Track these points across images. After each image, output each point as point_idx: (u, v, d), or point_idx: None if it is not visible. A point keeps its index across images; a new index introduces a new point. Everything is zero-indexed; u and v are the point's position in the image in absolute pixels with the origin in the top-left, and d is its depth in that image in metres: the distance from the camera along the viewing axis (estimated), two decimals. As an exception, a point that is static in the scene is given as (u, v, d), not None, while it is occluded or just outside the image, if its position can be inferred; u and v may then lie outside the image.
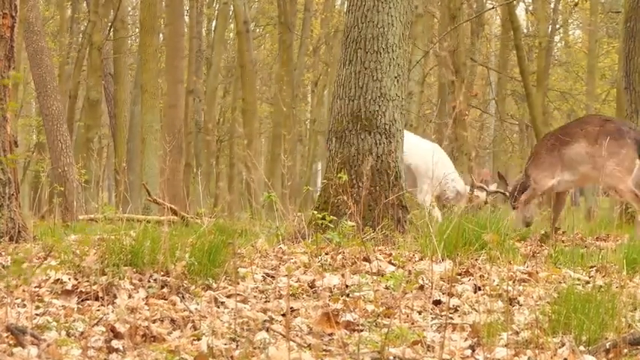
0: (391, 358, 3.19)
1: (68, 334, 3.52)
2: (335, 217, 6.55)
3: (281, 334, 3.52)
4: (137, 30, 25.67)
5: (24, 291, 3.98)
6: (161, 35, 22.28)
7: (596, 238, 7.51)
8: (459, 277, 4.93)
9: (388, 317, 3.98)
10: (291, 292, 4.42)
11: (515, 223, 7.98)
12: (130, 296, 4.07)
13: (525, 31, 26.81)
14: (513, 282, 4.79)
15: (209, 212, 8.61)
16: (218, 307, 4.06)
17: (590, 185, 8.90)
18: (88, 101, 20.84)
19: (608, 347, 3.40)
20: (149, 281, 4.31)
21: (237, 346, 3.41)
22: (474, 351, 3.47)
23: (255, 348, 3.34)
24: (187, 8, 24.37)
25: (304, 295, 4.46)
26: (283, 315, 3.88)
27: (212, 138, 26.14)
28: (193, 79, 24.08)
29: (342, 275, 4.79)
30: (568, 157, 8.04)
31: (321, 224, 6.41)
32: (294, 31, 23.94)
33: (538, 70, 22.24)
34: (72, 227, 8.34)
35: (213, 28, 28.53)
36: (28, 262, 4.37)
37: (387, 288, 4.53)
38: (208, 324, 3.66)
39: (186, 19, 24.25)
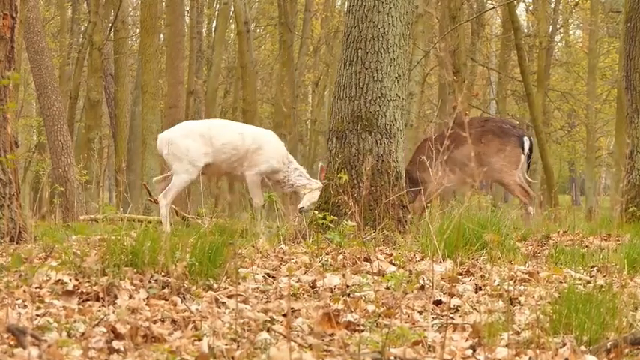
0: (392, 358, 3.18)
1: (69, 335, 3.52)
2: (336, 217, 6.56)
3: (282, 334, 3.51)
4: (138, 30, 25.67)
5: (25, 291, 3.98)
6: (162, 36, 22.27)
7: (603, 239, 7.50)
8: (459, 276, 4.93)
9: (389, 317, 3.98)
10: (292, 293, 4.42)
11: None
12: (130, 297, 4.07)
13: (526, 31, 26.81)
14: (514, 282, 4.79)
15: (210, 212, 8.60)
16: (219, 308, 4.06)
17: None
18: (88, 102, 20.86)
19: (609, 347, 3.40)
20: (150, 282, 4.31)
21: (238, 346, 3.41)
22: (474, 351, 3.47)
23: (256, 348, 3.34)
24: (188, 8, 24.37)
25: (305, 296, 4.46)
26: (284, 315, 3.88)
27: (213, 138, 26.07)
28: (194, 79, 24.06)
29: (343, 275, 4.79)
30: (455, 158, 8.60)
31: (322, 224, 6.41)
32: (294, 31, 23.94)
33: (538, 70, 22.26)
34: (72, 228, 8.34)
35: (213, 29, 28.50)
36: (29, 262, 4.38)
37: (387, 288, 4.53)
38: (209, 324, 3.66)
39: (187, 19, 24.25)
